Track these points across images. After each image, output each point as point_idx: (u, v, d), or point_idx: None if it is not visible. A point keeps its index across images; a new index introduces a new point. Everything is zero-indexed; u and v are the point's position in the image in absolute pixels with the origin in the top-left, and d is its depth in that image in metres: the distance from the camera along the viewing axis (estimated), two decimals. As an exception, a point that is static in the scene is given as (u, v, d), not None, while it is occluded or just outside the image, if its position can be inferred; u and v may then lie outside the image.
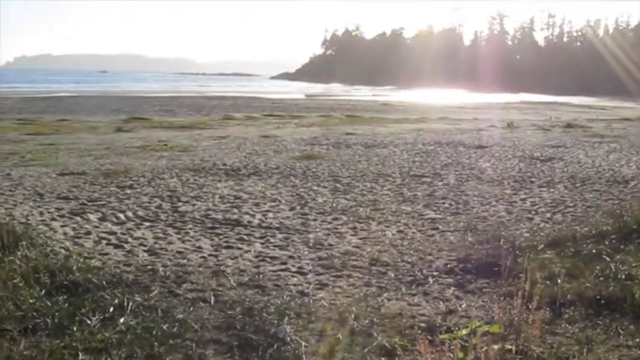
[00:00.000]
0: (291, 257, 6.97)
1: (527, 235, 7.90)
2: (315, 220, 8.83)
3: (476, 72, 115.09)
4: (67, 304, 5.22)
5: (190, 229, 8.22)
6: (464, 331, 4.16)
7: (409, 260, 6.92)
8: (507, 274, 5.81)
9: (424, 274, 6.43)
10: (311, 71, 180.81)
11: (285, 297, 5.60)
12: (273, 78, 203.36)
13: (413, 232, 8.26)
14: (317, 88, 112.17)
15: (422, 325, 5.06)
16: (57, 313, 5.02)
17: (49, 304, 5.21)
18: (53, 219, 8.65)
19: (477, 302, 5.63)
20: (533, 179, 12.48)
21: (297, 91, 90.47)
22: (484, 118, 32.09)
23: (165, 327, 4.80)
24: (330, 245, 7.50)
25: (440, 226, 8.56)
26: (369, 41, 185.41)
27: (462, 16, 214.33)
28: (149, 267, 6.47)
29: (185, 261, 6.74)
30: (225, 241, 7.63)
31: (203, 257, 6.93)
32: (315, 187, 11.29)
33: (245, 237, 7.85)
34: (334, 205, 9.80)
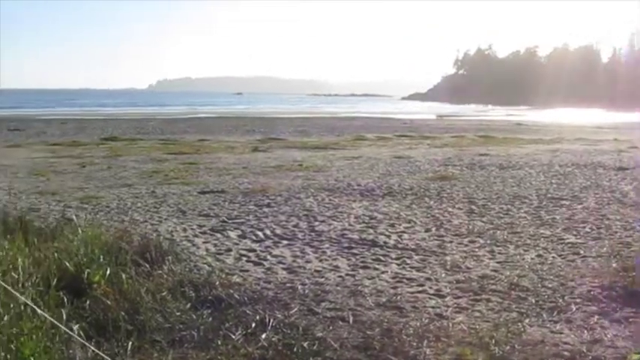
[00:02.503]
0: (428, 279, 6.91)
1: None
2: (451, 242, 8.72)
3: (614, 90, 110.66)
4: (211, 319, 5.41)
5: (327, 248, 8.32)
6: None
7: (550, 286, 6.69)
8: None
9: (566, 300, 6.21)
10: (442, 91, 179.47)
11: (423, 319, 5.55)
12: (404, 98, 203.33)
13: (553, 257, 7.99)
14: (449, 108, 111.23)
15: (566, 353, 4.89)
16: (202, 327, 5.21)
17: (194, 317, 5.41)
18: (196, 235, 8.97)
19: (624, 332, 5.38)
20: (682, 204, 11.83)
21: (428, 111, 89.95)
22: (624, 139, 30.72)
23: (305, 344, 4.87)
24: (468, 268, 7.37)
25: (581, 251, 8.24)
26: (502, 60, 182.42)
27: (599, 33, 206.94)
28: (288, 285, 6.60)
29: (323, 280, 6.82)
30: (362, 261, 7.67)
31: (340, 277, 6.98)
32: (450, 209, 11.15)
33: (381, 257, 7.85)
34: (470, 227, 9.64)
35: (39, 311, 4.38)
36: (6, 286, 4.32)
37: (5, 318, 4.20)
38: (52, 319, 4.05)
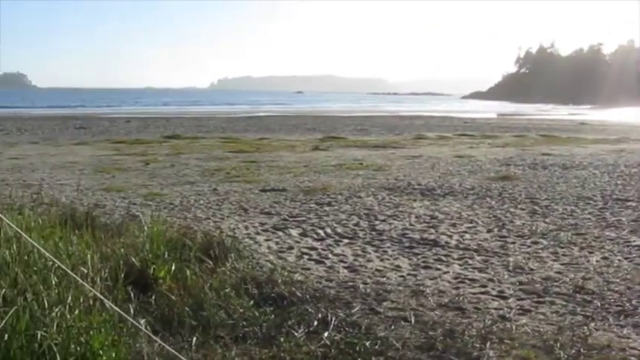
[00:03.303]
0: (490, 280, 6.84)
1: None
2: (513, 243, 8.61)
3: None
4: (273, 316, 5.45)
5: (388, 247, 8.31)
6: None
7: (616, 289, 6.55)
8: None
9: (633, 304, 6.06)
10: (504, 90, 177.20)
11: (486, 321, 5.49)
12: (464, 97, 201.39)
13: (619, 260, 7.81)
14: (510, 107, 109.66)
15: (633, 359, 4.80)
16: (265, 324, 5.25)
17: (257, 314, 5.46)
18: (257, 233, 9.06)
19: (696, 339, 5.24)
20: None
21: (489, 110, 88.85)
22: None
23: (367, 344, 4.88)
24: (531, 270, 7.27)
25: (649, 254, 8.06)
26: (565, 58, 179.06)
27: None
28: (350, 283, 6.61)
29: (384, 279, 6.82)
30: (424, 261, 7.63)
31: (402, 276, 6.96)
32: (512, 209, 11.01)
33: (443, 258, 7.81)
34: (533, 228, 9.50)
35: (108, 305, 4.48)
36: (78, 278, 4.43)
37: (76, 312, 4.31)
38: (122, 313, 4.14)
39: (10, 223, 4.54)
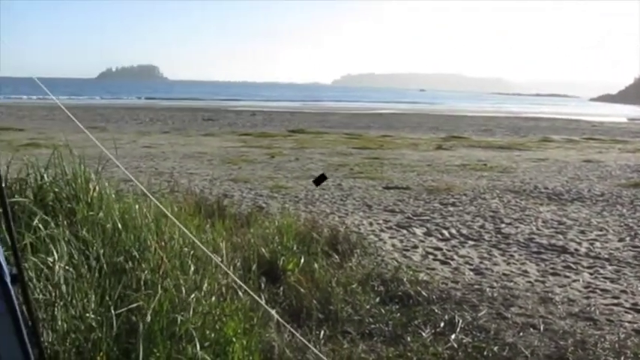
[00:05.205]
0: (623, 292, 6.59)
1: None
2: (648, 254, 8.27)
3: None
4: (399, 314, 5.46)
5: (515, 251, 8.15)
6: None
7: None
8: None
9: None
10: (635, 93, 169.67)
11: (620, 334, 5.30)
12: (592, 100, 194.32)
13: None
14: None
15: None
16: (391, 322, 5.27)
17: (383, 311, 5.49)
18: (382, 230, 9.09)
19: None
20: None
21: (619, 114, 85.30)
22: None
23: (495, 349, 4.82)
24: (668, 283, 6.96)
25: None
26: None
27: None
28: (476, 286, 6.53)
29: (512, 284, 6.69)
30: (552, 268, 7.44)
31: (529, 282, 6.82)
32: (646, 219, 10.56)
33: (572, 265, 7.58)
34: (669, 239, 9.09)
35: (241, 293, 4.62)
36: (220, 263, 4.59)
37: (212, 299, 4.46)
38: (260, 300, 4.25)
39: (166, 212, 4.75)
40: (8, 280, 2.47)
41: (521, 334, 5.22)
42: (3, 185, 2.51)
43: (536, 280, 6.90)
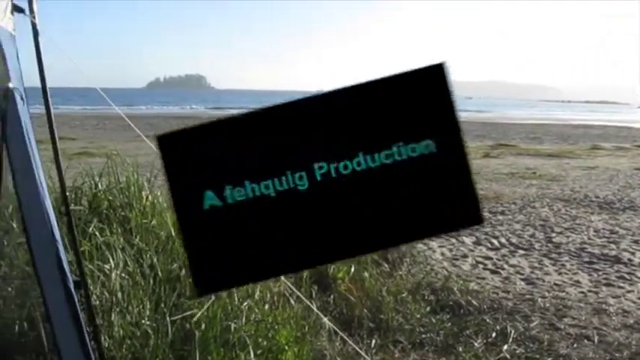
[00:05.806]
0: (680, 303, 6.47)
1: None
2: None
3: None
4: (450, 324, 5.44)
5: (566, 261, 8.04)
6: None
7: None
8: None
9: None
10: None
11: (678, 347, 5.21)
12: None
13: None
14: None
15: None
16: (442, 332, 5.25)
17: (434, 321, 5.47)
18: (430, 239, 9.03)
19: None
20: None
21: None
22: None
23: (549, 360, 4.77)
24: None
25: None
26: None
27: None
28: (527, 296, 6.47)
29: (564, 294, 6.61)
30: (605, 278, 7.33)
31: (582, 292, 6.72)
32: (701, 229, 10.33)
33: (626, 276, 7.45)
34: None
35: (293, 302, 4.65)
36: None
37: (266, 307, 4.49)
38: (315, 308, 4.28)
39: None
40: (72, 285, 2.54)
41: (575, 345, 5.16)
42: (67, 194, 2.57)
43: (589, 291, 6.80)
